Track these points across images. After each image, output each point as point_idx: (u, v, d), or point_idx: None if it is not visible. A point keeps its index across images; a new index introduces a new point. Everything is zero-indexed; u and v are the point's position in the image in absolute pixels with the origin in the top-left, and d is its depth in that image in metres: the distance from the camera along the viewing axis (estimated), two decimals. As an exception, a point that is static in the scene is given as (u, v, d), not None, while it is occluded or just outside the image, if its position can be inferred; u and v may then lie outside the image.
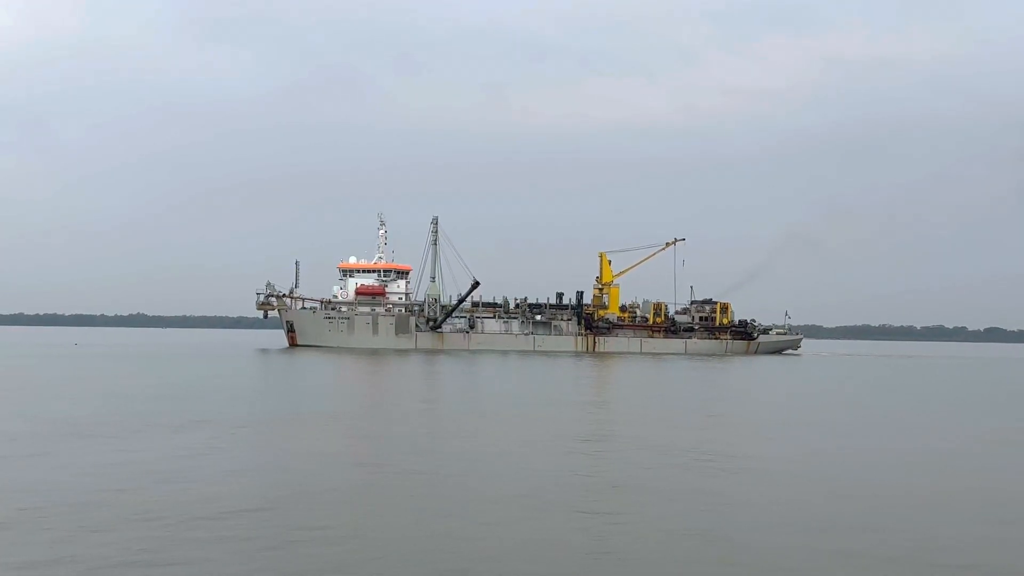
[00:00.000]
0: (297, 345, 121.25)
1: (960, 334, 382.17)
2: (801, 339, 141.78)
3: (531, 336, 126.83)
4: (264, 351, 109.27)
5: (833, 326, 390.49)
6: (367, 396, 49.15)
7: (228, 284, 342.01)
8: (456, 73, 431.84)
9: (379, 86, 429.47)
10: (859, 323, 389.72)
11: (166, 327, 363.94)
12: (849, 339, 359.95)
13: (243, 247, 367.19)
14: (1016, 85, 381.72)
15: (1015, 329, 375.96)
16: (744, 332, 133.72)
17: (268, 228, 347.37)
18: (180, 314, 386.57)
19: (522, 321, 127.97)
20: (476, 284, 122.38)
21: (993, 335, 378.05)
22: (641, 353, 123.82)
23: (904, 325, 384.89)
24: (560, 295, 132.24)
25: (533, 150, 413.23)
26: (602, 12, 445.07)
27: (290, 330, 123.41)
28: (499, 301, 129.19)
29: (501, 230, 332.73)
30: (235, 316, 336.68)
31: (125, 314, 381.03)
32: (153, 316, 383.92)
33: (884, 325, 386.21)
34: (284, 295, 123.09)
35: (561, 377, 68.72)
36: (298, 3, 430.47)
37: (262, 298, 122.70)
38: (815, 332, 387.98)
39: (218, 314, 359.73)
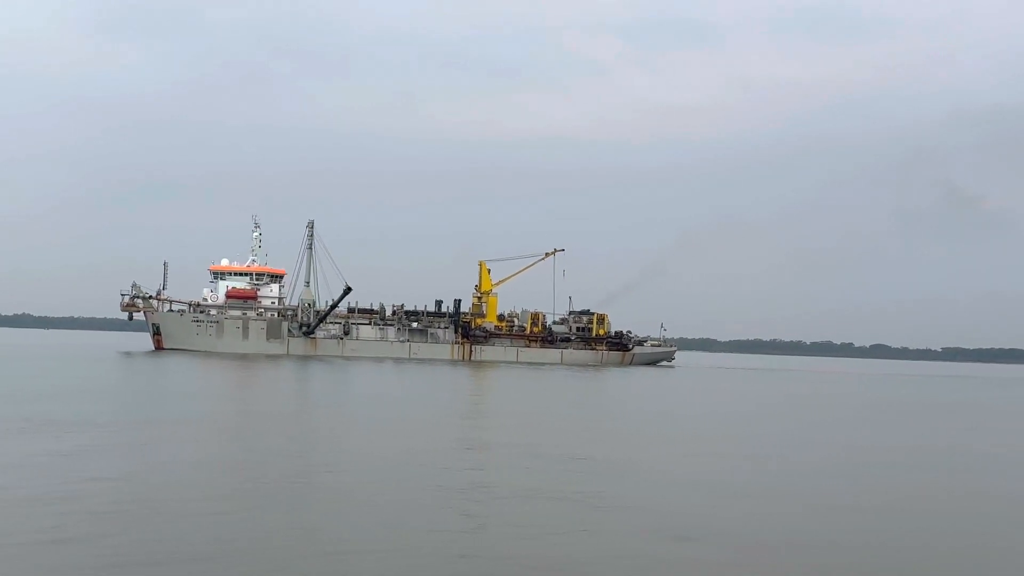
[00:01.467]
0: (163, 349, 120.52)
1: (847, 350, 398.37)
2: (675, 351, 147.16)
3: (407, 343, 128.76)
4: (127, 354, 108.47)
5: (727, 340, 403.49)
6: (227, 401, 50.22)
7: (115, 284, 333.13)
8: (366, 78, 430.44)
9: (288, 87, 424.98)
10: (751, 337, 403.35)
11: (51, 327, 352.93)
12: (742, 353, 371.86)
13: (134, 245, 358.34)
14: (910, 112, 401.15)
15: (899, 346, 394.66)
16: (620, 343, 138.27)
17: (163, 227, 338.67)
18: (68, 315, 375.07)
19: (398, 328, 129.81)
20: (348, 290, 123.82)
21: (878, 351, 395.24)
22: (517, 362, 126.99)
23: (794, 340, 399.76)
24: (439, 303, 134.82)
25: (431, 158, 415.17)
26: (519, 23, 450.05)
27: (156, 333, 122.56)
28: (376, 307, 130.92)
29: (383, 236, 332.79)
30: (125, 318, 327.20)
31: (10, 314, 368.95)
32: (39, 316, 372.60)
33: (775, 340, 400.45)
34: (151, 296, 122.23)
35: (429, 384, 70.99)
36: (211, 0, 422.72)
37: (127, 299, 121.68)
38: (709, 346, 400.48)
39: (108, 316, 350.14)
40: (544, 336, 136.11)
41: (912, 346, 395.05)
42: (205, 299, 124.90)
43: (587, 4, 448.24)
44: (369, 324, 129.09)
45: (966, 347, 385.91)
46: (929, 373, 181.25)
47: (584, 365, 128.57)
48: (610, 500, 21.87)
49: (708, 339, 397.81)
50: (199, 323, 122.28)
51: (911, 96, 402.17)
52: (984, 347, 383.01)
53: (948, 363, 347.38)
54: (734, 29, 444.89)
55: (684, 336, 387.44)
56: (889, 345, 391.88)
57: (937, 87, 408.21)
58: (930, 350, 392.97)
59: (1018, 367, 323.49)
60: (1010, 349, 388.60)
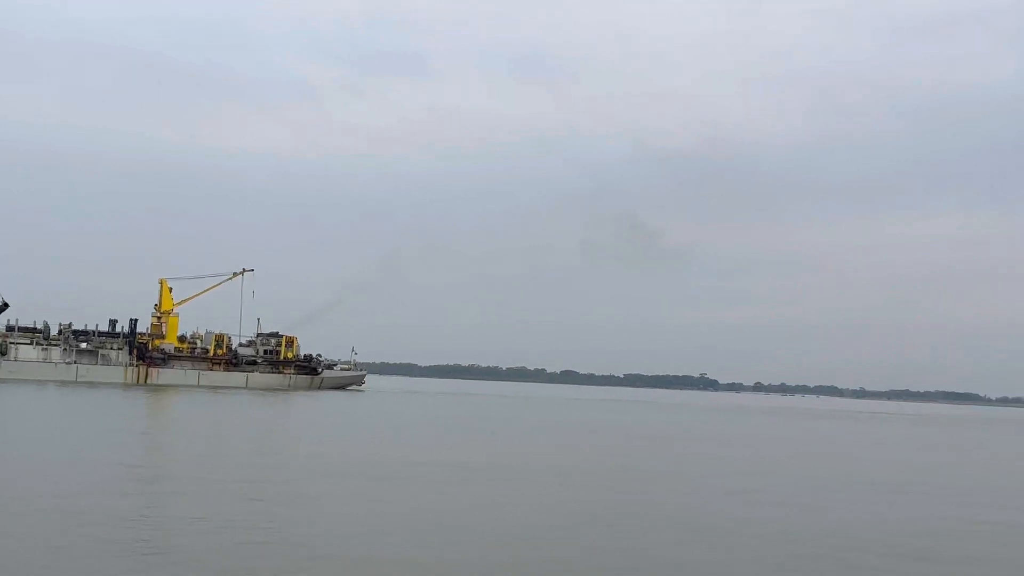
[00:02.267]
0: None
1: (540, 376, 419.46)
2: (365, 375, 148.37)
3: (74, 365, 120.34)
4: None
5: (427, 364, 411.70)
6: None
7: None
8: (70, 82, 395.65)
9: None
10: (451, 362, 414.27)
11: None
12: (441, 378, 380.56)
13: None
14: (599, 150, 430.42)
15: (586, 372, 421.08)
16: (309, 367, 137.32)
17: None
18: None
19: (64, 349, 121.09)
20: (5, 306, 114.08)
21: (568, 377, 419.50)
22: (198, 386, 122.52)
23: (491, 365, 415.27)
24: (113, 322, 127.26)
25: (111, 164, 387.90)
26: (228, 36, 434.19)
27: None
28: (40, 326, 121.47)
29: (50, 248, 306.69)
30: None
31: None
32: None
33: (473, 365, 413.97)
34: None
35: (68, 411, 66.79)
36: None
37: None
38: (409, 370, 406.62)
39: None
40: (229, 359, 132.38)
41: (598, 372, 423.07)
42: None
43: (300, 24, 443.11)
44: (31, 344, 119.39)
45: (645, 373, 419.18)
46: (604, 397, 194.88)
47: (271, 389, 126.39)
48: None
49: (408, 363, 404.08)
50: None
51: (601, 135, 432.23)
52: (660, 374, 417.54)
53: (628, 388, 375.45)
54: (444, 61, 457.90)
55: (385, 360, 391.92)
56: (577, 371, 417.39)
57: (625, 128, 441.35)
58: (614, 376, 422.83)
59: (686, 392, 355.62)
60: (683, 376, 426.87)
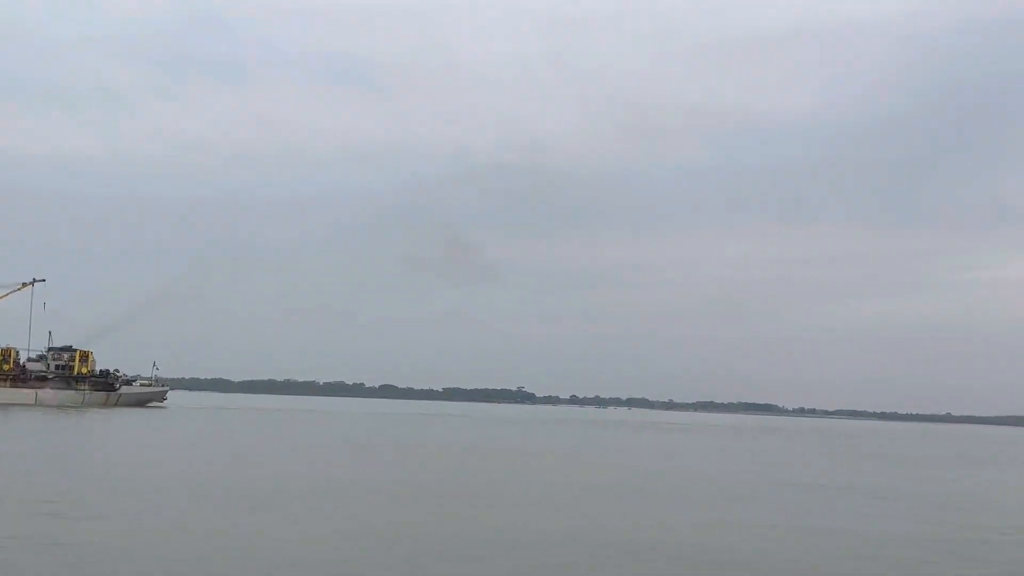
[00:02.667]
0: None
1: (359, 390, 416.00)
2: (167, 391, 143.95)
3: None
4: None
5: (240, 380, 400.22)
6: None
7: None
8: None
9: None
10: (265, 377, 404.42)
11: None
12: (256, 393, 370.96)
13: None
14: (421, 163, 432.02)
15: (405, 386, 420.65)
16: (105, 383, 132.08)
17: None
18: None
19: None
20: None
21: (387, 392, 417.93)
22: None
23: (308, 380, 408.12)
24: None
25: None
26: (22, 37, 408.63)
27: None
28: None
29: None
30: None
31: None
32: None
33: (289, 380, 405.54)
34: None
35: None
36: None
37: None
38: (222, 385, 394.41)
39: None
40: (16, 374, 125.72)
41: (417, 386, 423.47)
42: None
43: (110, 27, 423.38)
44: None
45: (464, 387, 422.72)
46: (422, 412, 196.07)
47: (63, 406, 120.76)
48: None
49: (220, 379, 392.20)
50: None
51: (422, 148, 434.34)
52: (479, 387, 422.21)
53: (447, 402, 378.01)
54: (262, 69, 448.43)
55: (196, 376, 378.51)
56: (396, 386, 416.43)
57: (446, 142, 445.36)
58: (433, 390, 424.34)
59: (504, 406, 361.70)
60: (502, 390, 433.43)
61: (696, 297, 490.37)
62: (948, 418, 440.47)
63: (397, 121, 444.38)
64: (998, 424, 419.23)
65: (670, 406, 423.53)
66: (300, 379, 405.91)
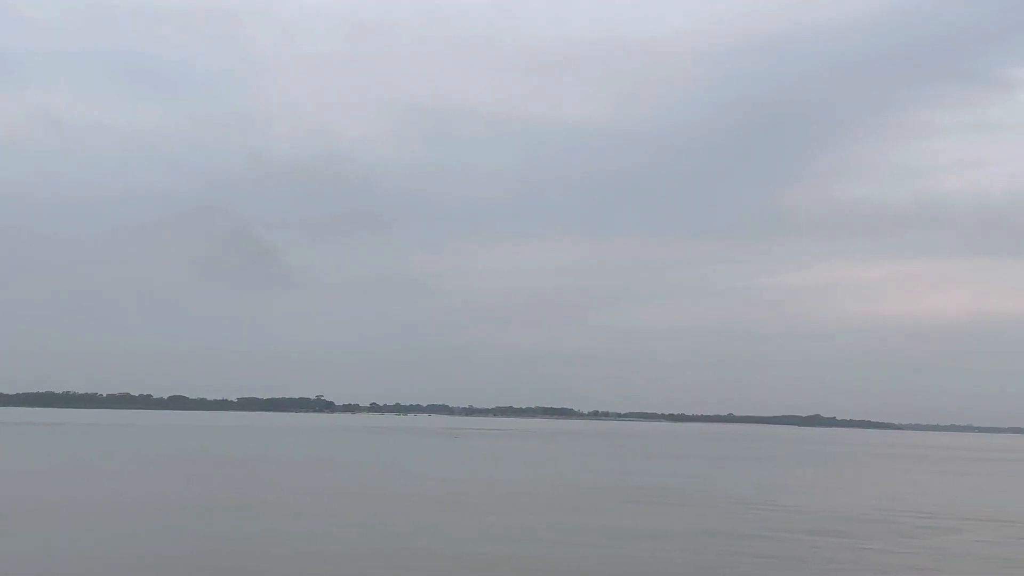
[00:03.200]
0: None
1: (146, 402, 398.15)
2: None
3: None
4: None
5: (13, 392, 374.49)
6: None
7: None
8: None
9: None
10: (42, 389, 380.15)
11: None
12: (33, 406, 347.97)
13: None
14: (215, 165, 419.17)
15: (197, 397, 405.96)
16: None
17: None
18: None
19: None
20: None
21: (178, 403, 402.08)
22: None
23: (89, 392, 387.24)
24: None
25: None
26: None
27: None
28: None
29: None
30: None
31: None
32: None
33: (68, 392, 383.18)
34: None
35: None
36: None
37: None
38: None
39: None
40: None
41: (211, 396, 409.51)
42: None
43: None
44: None
45: (260, 396, 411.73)
46: (217, 424, 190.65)
47: None
48: None
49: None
50: None
51: (214, 148, 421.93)
52: (276, 396, 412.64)
53: (243, 412, 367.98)
54: (45, 68, 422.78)
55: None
56: (187, 396, 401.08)
57: (240, 143, 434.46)
58: (227, 400, 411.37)
59: (303, 416, 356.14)
60: (300, 399, 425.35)
61: (496, 303, 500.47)
62: (731, 418, 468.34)
63: (190, 121, 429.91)
64: (775, 423, 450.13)
65: (470, 412, 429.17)
66: (81, 391, 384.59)
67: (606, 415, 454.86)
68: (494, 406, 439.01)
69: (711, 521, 36.23)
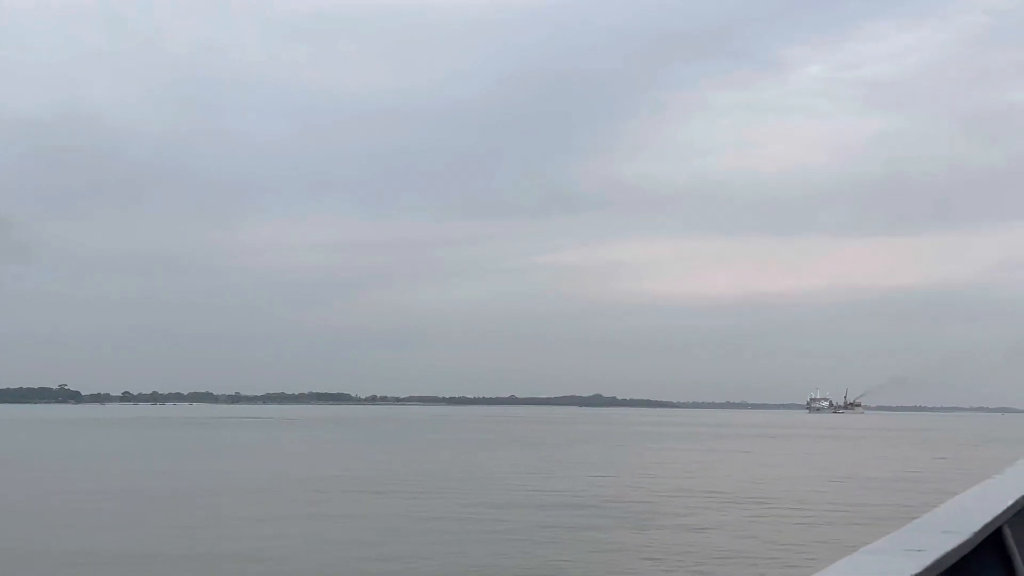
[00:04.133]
0: None
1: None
2: None
3: None
4: None
5: None
6: None
7: None
8: None
9: None
10: None
11: None
12: None
13: None
14: None
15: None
16: None
17: None
18: None
19: None
20: None
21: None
22: None
23: None
24: None
25: None
26: None
27: None
28: None
29: None
30: None
31: None
32: None
33: None
34: None
35: None
36: None
37: None
38: None
39: None
40: None
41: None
42: None
43: None
44: None
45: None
46: None
47: None
48: None
49: None
50: None
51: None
52: (11, 387, 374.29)
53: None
54: None
55: None
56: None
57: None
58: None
59: (44, 407, 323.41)
60: (41, 388, 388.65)
61: (268, 283, 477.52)
62: (512, 400, 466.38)
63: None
64: (557, 404, 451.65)
65: (237, 399, 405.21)
66: None
67: (384, 399, 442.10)
68: (264, 393, 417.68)
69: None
